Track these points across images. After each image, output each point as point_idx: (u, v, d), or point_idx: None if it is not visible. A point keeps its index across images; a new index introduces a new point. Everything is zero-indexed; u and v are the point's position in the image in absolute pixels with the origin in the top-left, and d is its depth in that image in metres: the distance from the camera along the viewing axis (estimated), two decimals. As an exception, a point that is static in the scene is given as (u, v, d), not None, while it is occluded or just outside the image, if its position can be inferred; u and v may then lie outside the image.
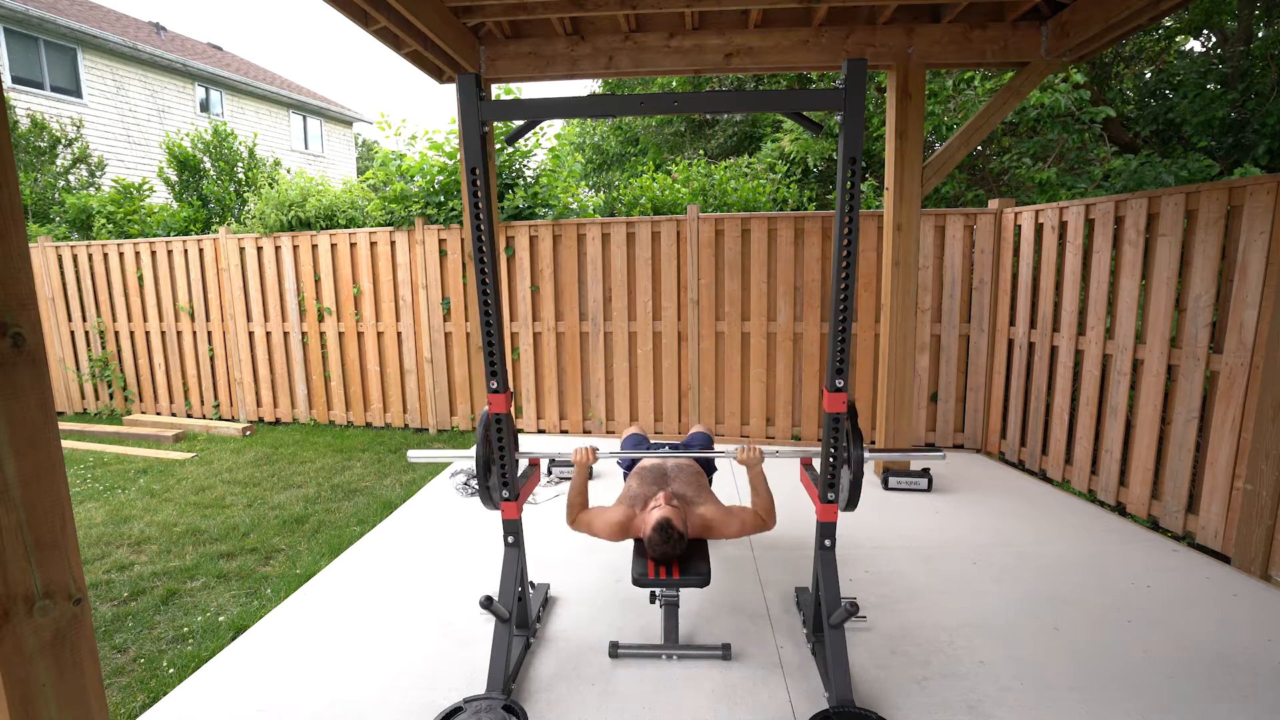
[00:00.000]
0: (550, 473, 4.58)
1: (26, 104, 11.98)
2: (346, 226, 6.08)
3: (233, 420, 6.49)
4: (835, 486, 2.39)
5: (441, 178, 5.76)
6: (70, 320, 6.82)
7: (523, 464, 3.96)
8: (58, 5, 13.34)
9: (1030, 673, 2.41)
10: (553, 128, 9.46)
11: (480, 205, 2.20)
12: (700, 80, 8.60)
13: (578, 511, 2.59)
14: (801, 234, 5.14)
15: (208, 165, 8.12)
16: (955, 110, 6.55)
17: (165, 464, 5.25)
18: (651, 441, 3.22)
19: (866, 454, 2.35)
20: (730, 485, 4.32)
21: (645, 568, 2.50)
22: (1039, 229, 4.51)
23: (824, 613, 2.31)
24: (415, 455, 2.64)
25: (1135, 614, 2.78)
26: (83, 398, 7.00)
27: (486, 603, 2.24)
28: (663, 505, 2.44)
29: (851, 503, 2.36)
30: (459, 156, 5.71)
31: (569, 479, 4.54)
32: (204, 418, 6.59)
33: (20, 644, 0.96)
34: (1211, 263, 3.28)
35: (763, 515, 2.54)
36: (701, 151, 9.66)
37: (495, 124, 4.93)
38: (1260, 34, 6.62)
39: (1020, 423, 4.73)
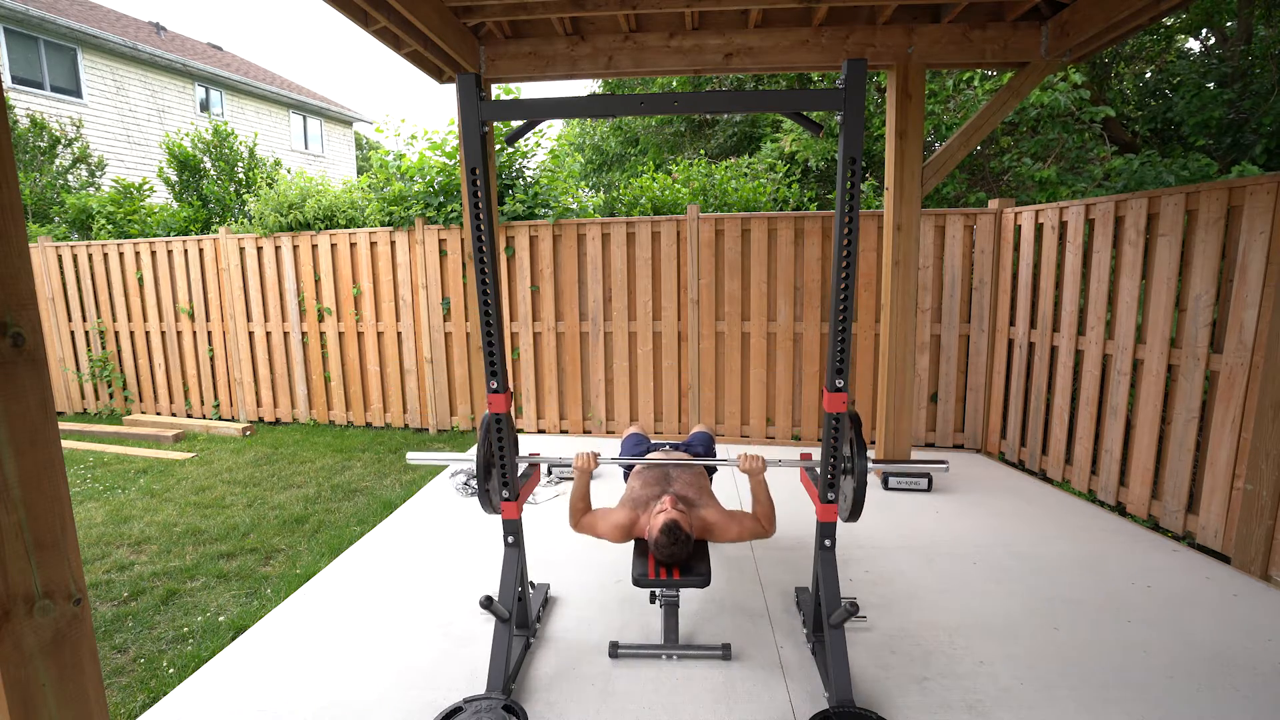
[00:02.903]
0: (550, 473, 4.58)
1: (26, 104, 11.98)
2: (346, 227, 6.08)
3: (233, 420, 6.49)
4: (835, 487, 2.39)
5: (441, 178, 5.76)
6: (70, 320, 6.82)
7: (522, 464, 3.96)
8: (58, 5, 13.34)
9: (1030, 673, 2.41)
10: (553, 128, 9.47)
11: (480, 205, 2.20)
12: (700, 80, 8.60)
13: (580, 515, 2.59)
14: (801, 234, 5.14)
15: (208, 165, 8.12)
16: (955, 110, 6.55)
17: (165, 464, 5.25)
18: (652, 442, 3.22)
19: (870, 464, 2.33)
20: (730, 485, 4.32)
21: (646, 568, 2.50)
22: (1039, 229, 4.51)
23: (824, 613, 2.31)
24: (414, 457, 2.63)
25: (1135, 614, 2.78)
26: (83, 398, 7.00)
27: (486, 603, 2.24)
28: (669, 509, 2.44)
29: (855, 513, 2.34)
30: (459, 157, 5.71)
31: (569, 479, 4.55)
32: (204, 418, 6.59)
33: (20, 644, 0.96)
34: (1211, 262, 3.28)
35: (763, 522, 2.53)
36: (701, 151, 9.66)
37: (495, 124, 4.93)
38: (1260, 33, 6.61)
39: (1020, 423, 4.73)
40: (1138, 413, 3.73)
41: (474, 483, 4.41)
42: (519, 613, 2.54)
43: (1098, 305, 3.97)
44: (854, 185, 2.09)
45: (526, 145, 6.03)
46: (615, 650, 2.54)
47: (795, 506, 3.94)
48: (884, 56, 4.09)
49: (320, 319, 6.14)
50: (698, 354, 5.39)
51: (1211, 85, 6.53)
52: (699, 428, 3.35)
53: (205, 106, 15.86)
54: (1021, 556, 3.32)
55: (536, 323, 5.64)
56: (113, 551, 3.68)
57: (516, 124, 5.15)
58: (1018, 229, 4.69)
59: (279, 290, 6.17)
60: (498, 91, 5.28)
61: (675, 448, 3.10)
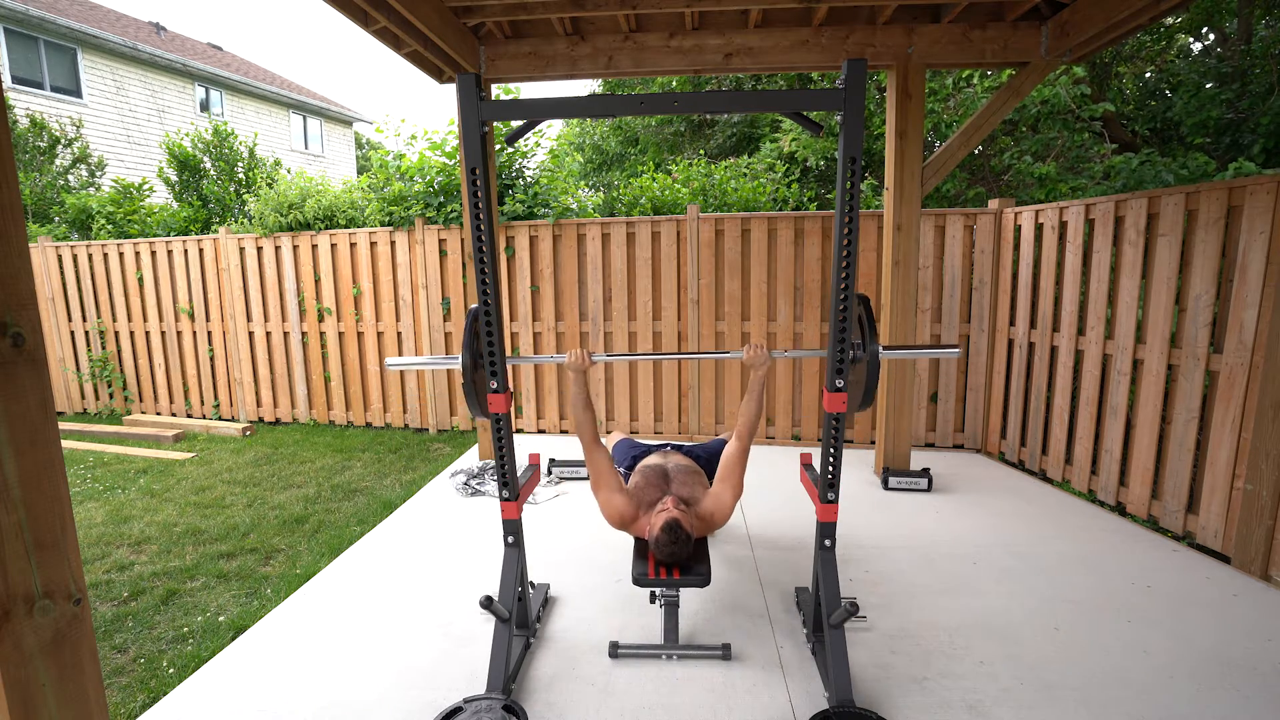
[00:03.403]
0: (550, 472, 4.58)
1: (26, 104, 11.98)
2: (346, 227, 6.08)
3: (233, 420, 6.49)
4: (835, 486, 2.39)
5: (441, 178, 5.76)
6: (70, 320, 6.82)
7: (523, 463, 3.96)
8: (58, 5, 13.34)
9: (1030, 673, 2.41)
10: (552, 128, 9.47)
11: (480, 205, 2.20)
12: (700, 80, 8.59)
13: (591, 429, 2.56)
14: (801, 234, 5.14)
15: (208, 165, 8.12)
16: (955, 109, 6.55)
17: (165, 464, 5.25)
18: (656, 443, 3.22)
19: (881, 350, 2.39)
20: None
21: (646, 567, 2.50)
22: (1039, 229, 4.51)
23: (824, 613, 2.31)
24: (393, 362, 2.61)
25: (1135, 614, 2.78)
26: (83, 398, 7.00)
27: (486, 603, 2.24)
28: (670, 509, 2.45)
29: (866, 400, 2.39)
30: (459, 157, 5.71)
31: (569, 479, 4.54)
32: (204, 418, 6.59)
33: (20, 644, 0.96)
34: (1211, 262, 3.28)
35: (741, 432, 2.58)
36: (701, 151, 9.66)
37: (495, 124, 4.93)
38: (1260, 33, 6.62)
39: (1020, 423, 4.73)
40: (1138, 413, 3.73)
41: (474, 482, 4.41)
42: (519, 613, 2.54)
43: (1098, 305, 3.97)
44: (854, 185, 2.09)
45: (526, 145, 6.03)
46: (615, 650, 2.54)
47: (795, 508, 3.94)
48: (884, 56, 4.09)
49: (320, 319, 6.14)
50: (698, 354, 5.38)
51: (1210, 85, 6.53)
52: (723, 435, 3.34)
53: (205, 106, 15.87)
54: (1021, 556, 3.32)
55: (536, 323, 5.63)
56: (113, 551, 3.68)
57: (516, 124, 5.15)
58: (1018, 229, 4.69)
59: (279, 290, 6.17)
60: (498, 91, 5.28)
61: (679, 449, 3.11)
